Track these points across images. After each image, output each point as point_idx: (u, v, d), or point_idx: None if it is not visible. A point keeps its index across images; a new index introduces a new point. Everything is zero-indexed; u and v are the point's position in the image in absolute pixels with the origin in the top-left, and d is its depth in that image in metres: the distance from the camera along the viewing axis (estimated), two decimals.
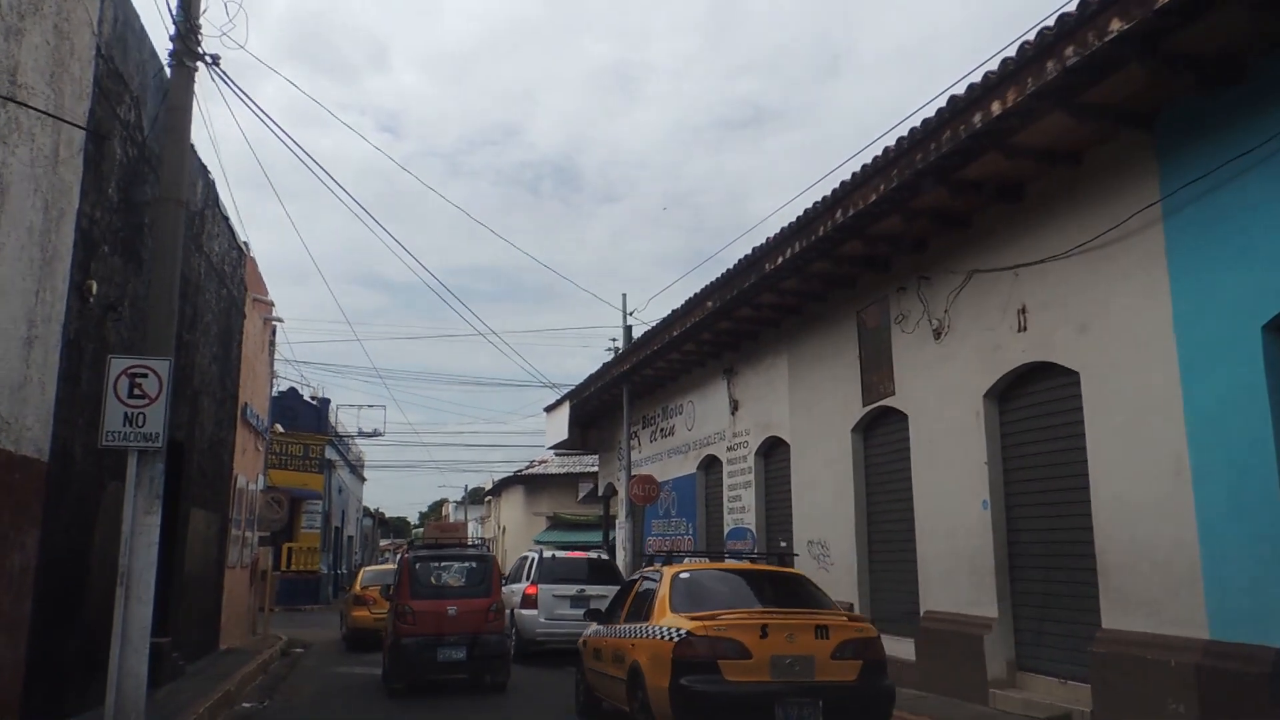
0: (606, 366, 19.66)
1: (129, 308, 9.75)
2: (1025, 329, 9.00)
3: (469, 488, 69.96)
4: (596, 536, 36.06)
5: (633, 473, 19.59)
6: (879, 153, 9.40)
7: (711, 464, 17.33)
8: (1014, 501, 9.35)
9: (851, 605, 11.81)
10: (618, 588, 10.91)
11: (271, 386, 21.27)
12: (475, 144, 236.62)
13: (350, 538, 50.06)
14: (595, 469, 38.86)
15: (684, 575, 8.22)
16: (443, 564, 12.44)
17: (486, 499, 58.89)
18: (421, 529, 52.28)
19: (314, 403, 36.47)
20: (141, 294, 9.81)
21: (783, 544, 14.30)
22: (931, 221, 10.00)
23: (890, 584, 11.43)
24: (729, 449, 16.13)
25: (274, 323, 19.62)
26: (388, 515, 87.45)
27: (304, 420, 35.43)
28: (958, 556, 9.84)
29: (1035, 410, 9.15)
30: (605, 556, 17.53)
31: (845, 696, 7.05)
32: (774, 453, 14.81)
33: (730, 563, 10.32)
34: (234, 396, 15.88)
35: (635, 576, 9.52)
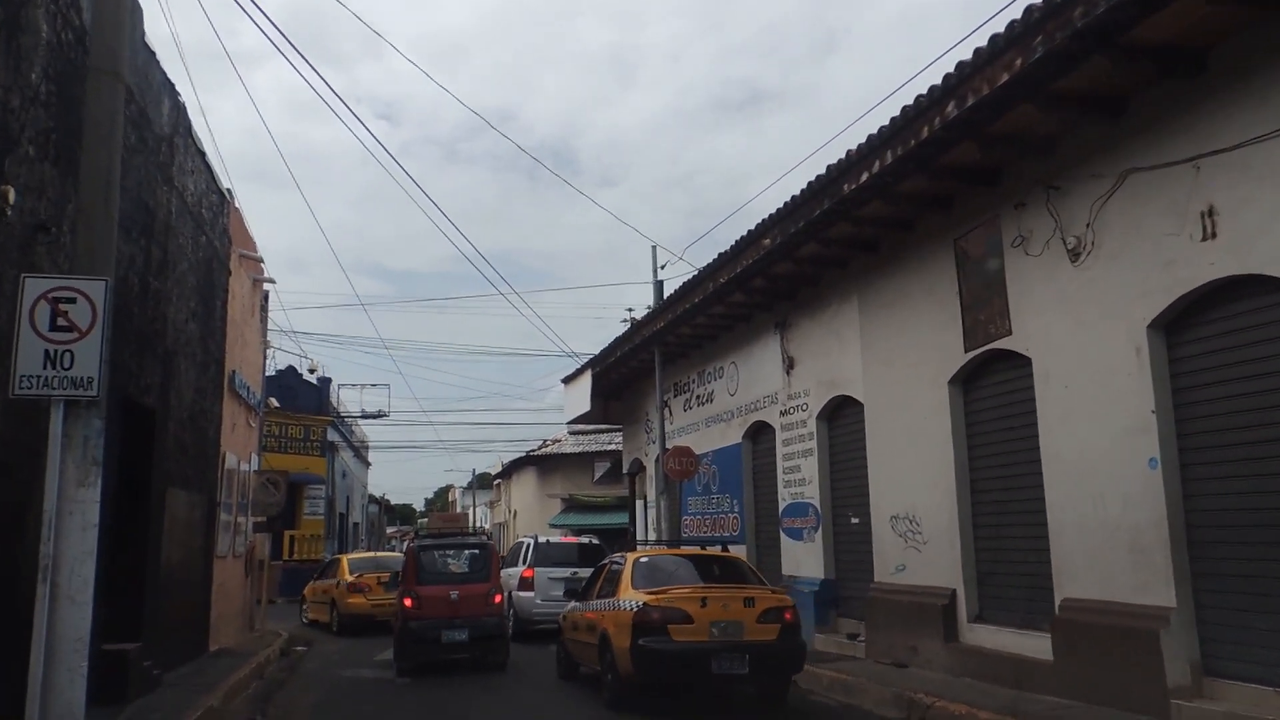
0: (635, 326, 17.68)
1: (70, 234, 7.77)
2: (1213, 235, 6.99)
3: (476, 472, 68.23)
4: (616, 519, 34.26)
5: (667, 444, 17.62)
6: (1012, 23, 7.39)
7: (760, 432, 15.38)
8: (1194, 459, 7.37)
9: (954, 591, 9.89)
10: None
11: (266, 359, 19.33)
12: (473, 130, 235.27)
13: (356, 524, 48.26)
14: (613, 447, 36.96)
15: (644, 559, 10.30)
16: (446, 552, 13.27)
17: (496, 482, 57.04)
18: (426, 518, 50.42)
19: (314, 382, 34.52)
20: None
21: (854, 519, 12.37)
22: (1077, 110, 7.96)
23: (1006, 566, 9.48)
24: (783, 413, 14.16)
25: (265, 284, 17.64)
26: (393, 502, 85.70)
27: (304, 400, 33.53)
28: (1111, 530, 7.86)
29: (1226, 340, 7.15)
30: (596, 541, 18.22)
31: (767, 652, 8.93)
32: (841, 414, 12.85)
33: (684, 549, 11.98)
34: (219, 362, 13.92)
35: (605, 561, 11.60)
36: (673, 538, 17.05)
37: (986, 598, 9.67)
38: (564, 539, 18.51)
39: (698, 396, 18.02)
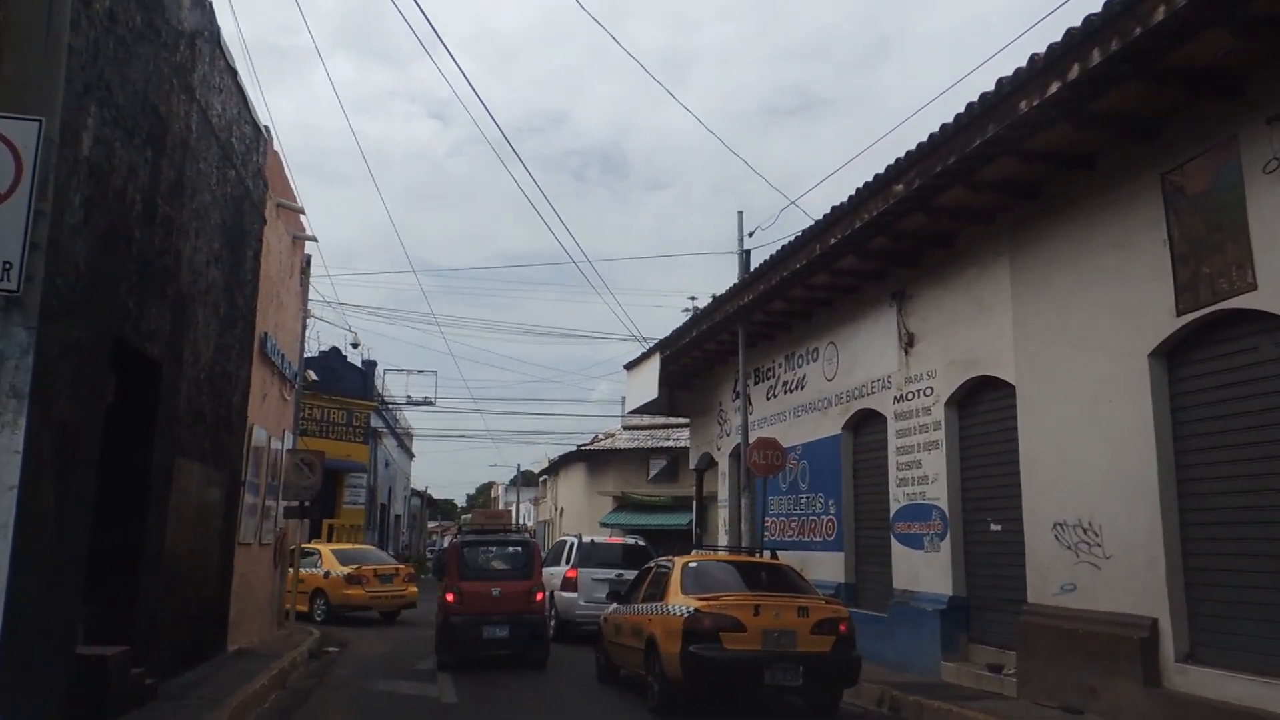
0: (716, 303, 15.63)
1: None
2: None
3: (520, 468, 66.64)
4: (671, 520, 32.24)
5: (749, 436, 15.54)
6: None
7: (866, 422, 13.26)
8: None
9: (1154, 621, 7.71)
10: None
11: (305, 329, 17.58)
12: (523, 131, 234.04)
13: (397, 516, 46.76)
14: (670, 443, 34.94)
15: (693, 564, 10.17)
16: (488, 549, 13.41)
17: (541, 478, 55.29)
18: (469, 515, 48.80)
19: (359, 365, 32.94)
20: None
21: (995, 526, 10.22)
22: None
23: (1235, 593, 7.28)
24: (899, 399, 12.03)
25: (307, 242, 15.88)
26: (434, 497, 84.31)
27: (348, 384, 31.97)
28: None
29: None
30: (642, 543, 17.66)
31: (820, 663, 8.75)
32: (980, 399, 10.70)
33: (730, 555, 12.27)
34: (248, 321, 12.13)
35: (651, 564, 11.31)
36: (753, 541, 14.99)
37: (1204, 632, 7.48)
38: (609, 539, 17.89)
39: (784, 383, 15.93)
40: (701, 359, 19.02)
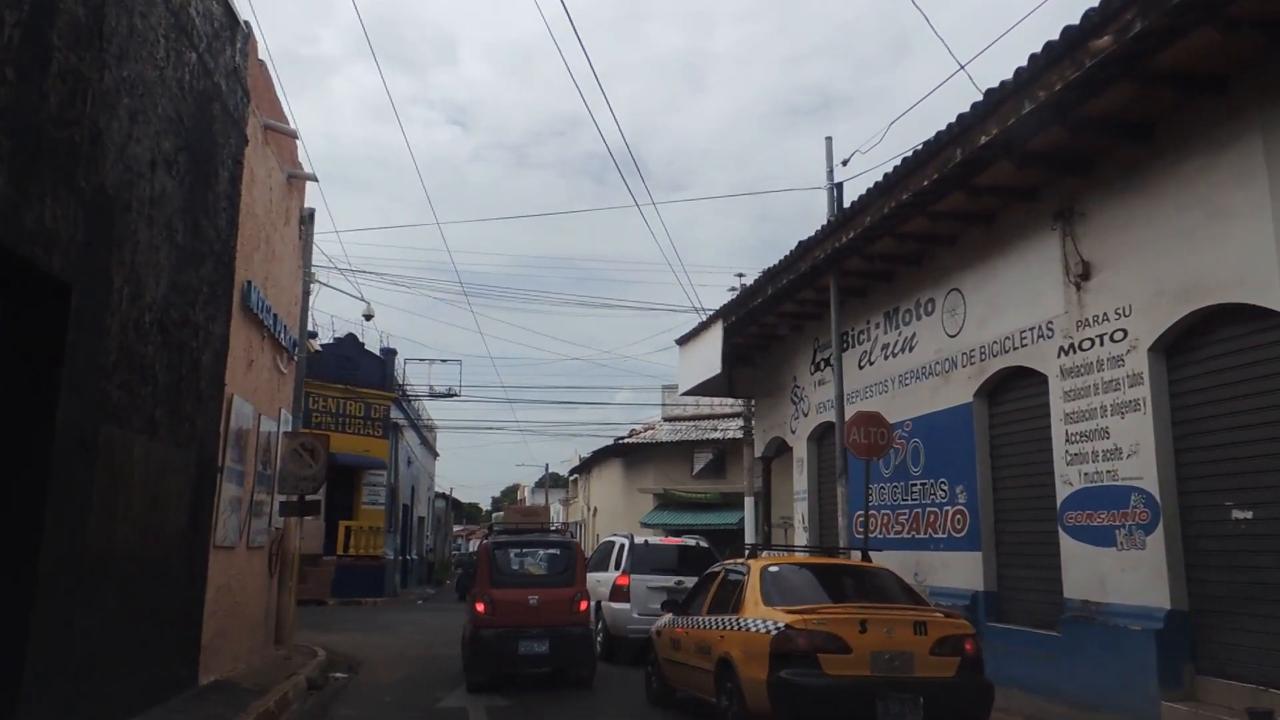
0: (801, 248, 12.78)
1: None
2: None
3: (549, 467, 64.09)
4: (719, 518, 29.45)
5: (844, 411, 12.68)
6: None
7: (1010, 384, 10.43)
8: None
9: None
10: None
11: (308, 294, 14.95)
12: (542, 135, 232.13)
13: (421, 519, 44.21)
14: (717, 435, 32.13)
15: (773, 568, 8.33)
16: (524, 551, 12.00)
17: (572, 477, 52.63)
18: (500, 513, 45.87)
19: (378, 354, 30.37)
20: None
21: (1242, 513, 7.38)
22: None
23: None
24: (1067, 350, 9.20)
25: (305, 183, 13.23)
26: (460, 500, 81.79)
27: (366, 374, 29.39)
28: None
29: None
30: (704, 544, 14.87)
31: (945, 692, 7.08)
32: (1204, 339, 7.86)
33: (812, 556, 10.27)
34: (223, 260, 9.46)
35: (716, 568, 9.56)
36: (850, 539, 12.18)
37: None
38: (664, 540, 15.50)
39: (884, 347, 13.10)
40: (768, 328, 16.25)
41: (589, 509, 45.36)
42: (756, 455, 18.25)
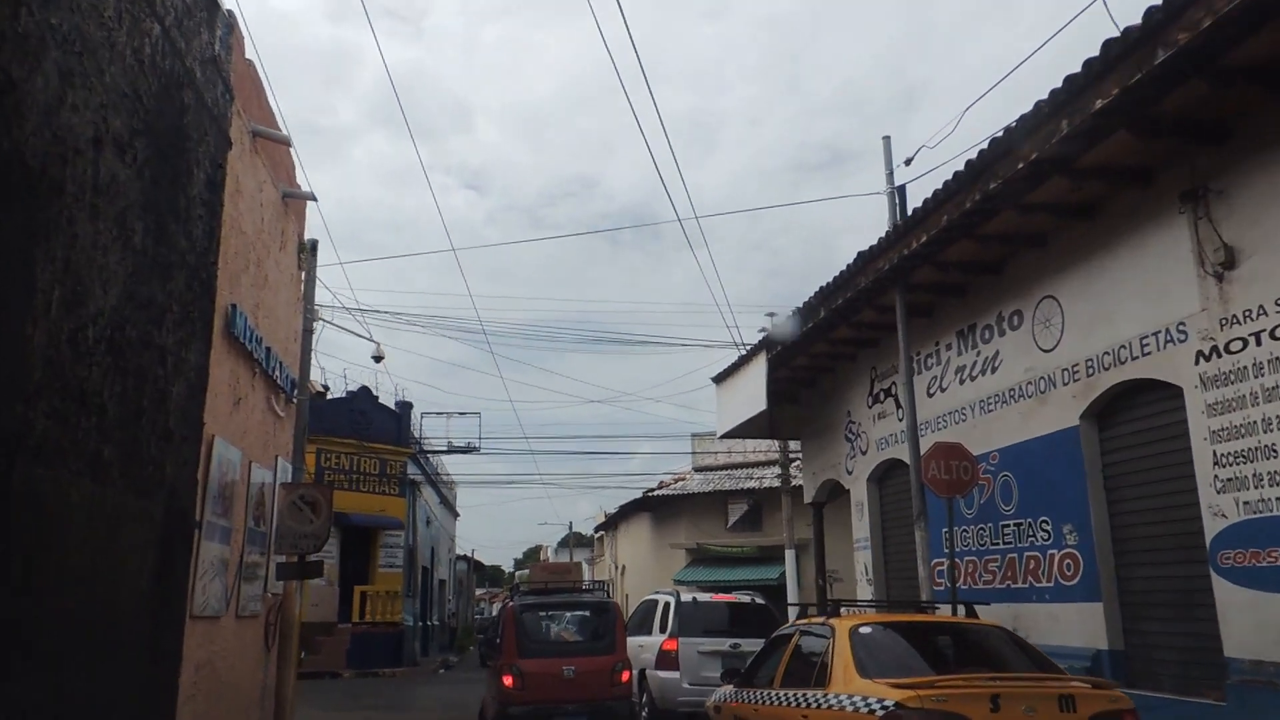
0: (861, 261, 11.29)
1: None
2: None
3: (572, 525, 62.30)
4: (757, 573, 27.62)
5: (918, 443, 11.06)
6: None
7: (1126, 401, 8.84)
8: None
9: None
10: None
11: (311, 332, 13.57)
12: (555, 197, 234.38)
13: (442, 582, 42.40)
14: (751, 484, 30.42)
15: (864, 629, 6.67)
16: (555, 613, 10.85)
17: (598, 534, 50.77)
18: (525, 570, 43.64)
19: (393, 408, 28.98)
20: None
21: None
22: None
23: None
24: (1206, 355, 7.63)
25: (303, 205, 11.93)
26: (482, 562, 79.70)
27: (380, 429, 27.96)
28: None
29: None
30: (760, 600, 13.57)
31: None
32: None
33: (903, 614, 8.43)
34: (200, 276, 8.04)
35: (787, 630, 8.06)
36: (932, 591, 10.51)
37: None
38: (715, 598, 13.83)
39: (958, 371, 11.54)
40: (818, 359, 14.75)
41: (616, 567, 43.44)
42: (806, 500, 16.58)
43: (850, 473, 14.60)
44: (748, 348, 16.12)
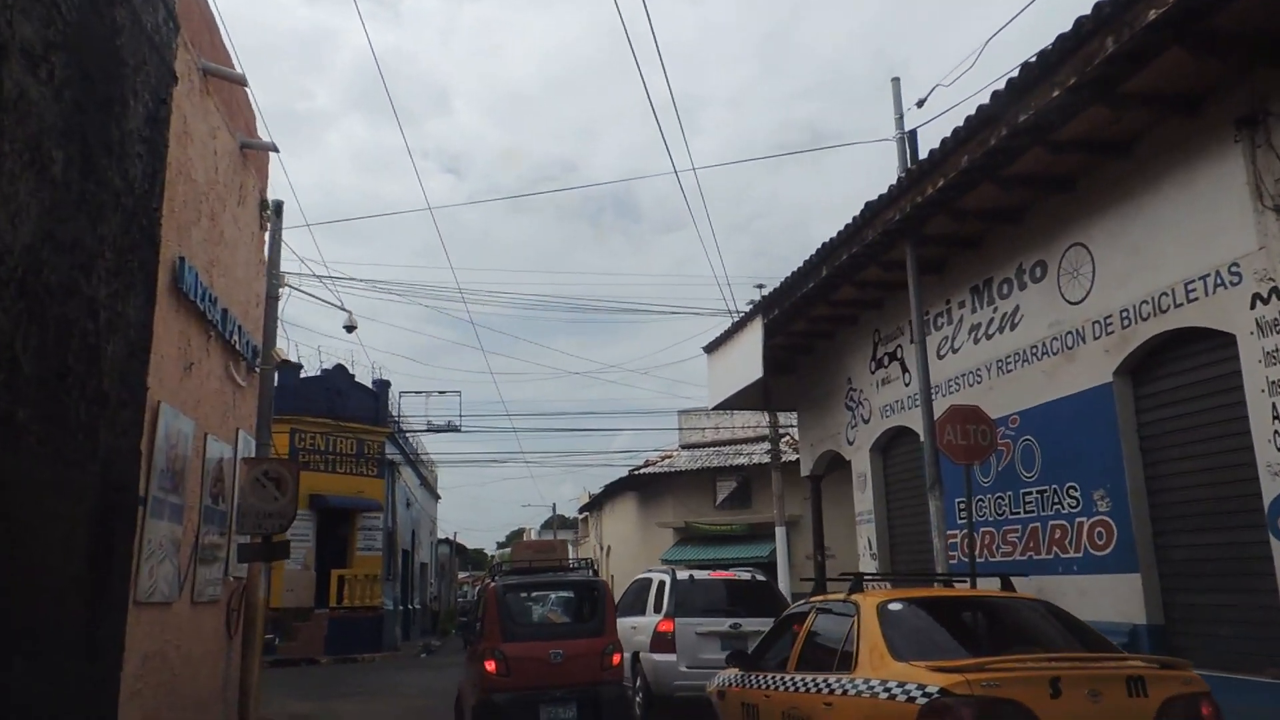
0: (872, 210, 10.46)
1: None
2: None
3: (555, 507, 61.57)
4: (749, 551, 26.96)
5: (931, 407, 10.28)
6: None
7: (1166, 356, 8.10)
8: None
9: None
10: None
11: (276, 296, 12.65)
12: (537, 181, 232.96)
13: (424, 565, 41.59)
14: (740, 460, 29.72)
15: (895, 606, 5.88)
16: (541, 594, 10.17)
17: (582, 515, 50.03)
18: (507, 549, 42.70)
19: (370, 386, 28.05)
20: None
21: None
22: None
23: None
24: (1264, 298, 6.88)
25: (265, 160, 10.99)
26: (464, 545, 78.78)
27: (357, 408, 27.05)
28: None
29: None
30: (761, 577, 12.56)
31: None
32: None
33: (931, 588, 7.69)
34: (139, 221, 7.09)
35: (800, 608, 7.22)
36: (949, 564, 9.77)
37: None
38: (713, 575, 12.66)
39: (972, 330, 10.79)
40: (818, 323, 13.98)
41: (601, 548, 42.75)
42: (804, 473, 15.85)
43: (851, 443, 13.86)
44: (740, 314, 15.33)
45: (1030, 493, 9.68)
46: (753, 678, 7.09)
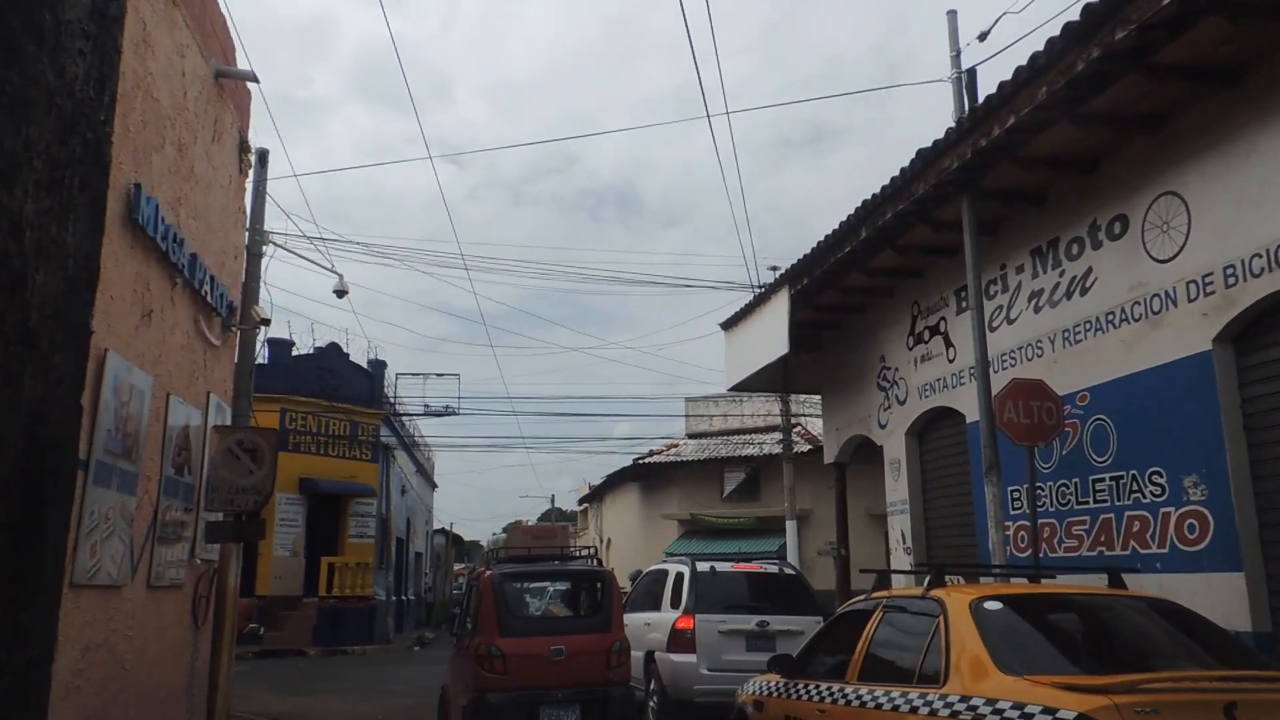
0: (924, 160, 9.31)
1: None
2: None
3: (554, 499, 60.49)
4: (757, 546, 25.89)
5: (989, 382, 9.15)
6: None
7: (1278, 319, 6.97)
8: None
9: None
10: (815, 618, 9.76)
11: (259, 254, 11.52)
12: (538, 172, 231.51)
13: (419, 555, 40.54)
14: (750, 450, 28.63)
15: (992, 605, 4.74)
16: (542, 584, 10.51)
17: (582, 506, 48.96)
18: (503, 534, 41.25)
19: (365, 366, 26.94)
20: None
21: None
22: None
23: None
24: None
25: (245, 93, 9.86)
26: (461, 536, 77.68)
27: (351, 389, 25.93)
28: None
29: None
30: (791, 569, 11.56)
31: None
32: None
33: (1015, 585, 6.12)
34: (78, 129, 5.98)
35: (862, 605, 6.01)
36: (1005, 561, 8.65)
37: None
38: (736, 567, 11.50)
39: (1032, 297, 9.67)
40: (851, 295, 12.87)
41: (601, 540, 41.67)
42: (828, 460, 14.73)
43: (883, 426, 12.74)
44: (764, 286, 14.22)
45: (1102, 479, 8.56)
46: (801, 687, 5.99)
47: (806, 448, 26.38)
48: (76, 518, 6.13)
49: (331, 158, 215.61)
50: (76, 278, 4.23)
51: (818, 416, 27.54)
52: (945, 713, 4.33)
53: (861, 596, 6.39)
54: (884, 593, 5.89)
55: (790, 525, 23.56)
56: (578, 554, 10.91)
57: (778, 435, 25.49)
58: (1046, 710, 3.80)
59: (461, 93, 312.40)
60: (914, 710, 4.57)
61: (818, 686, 5.75)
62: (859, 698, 5.17)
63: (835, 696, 5.44)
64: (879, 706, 4.91)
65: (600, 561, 11.02)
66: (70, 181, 4.27)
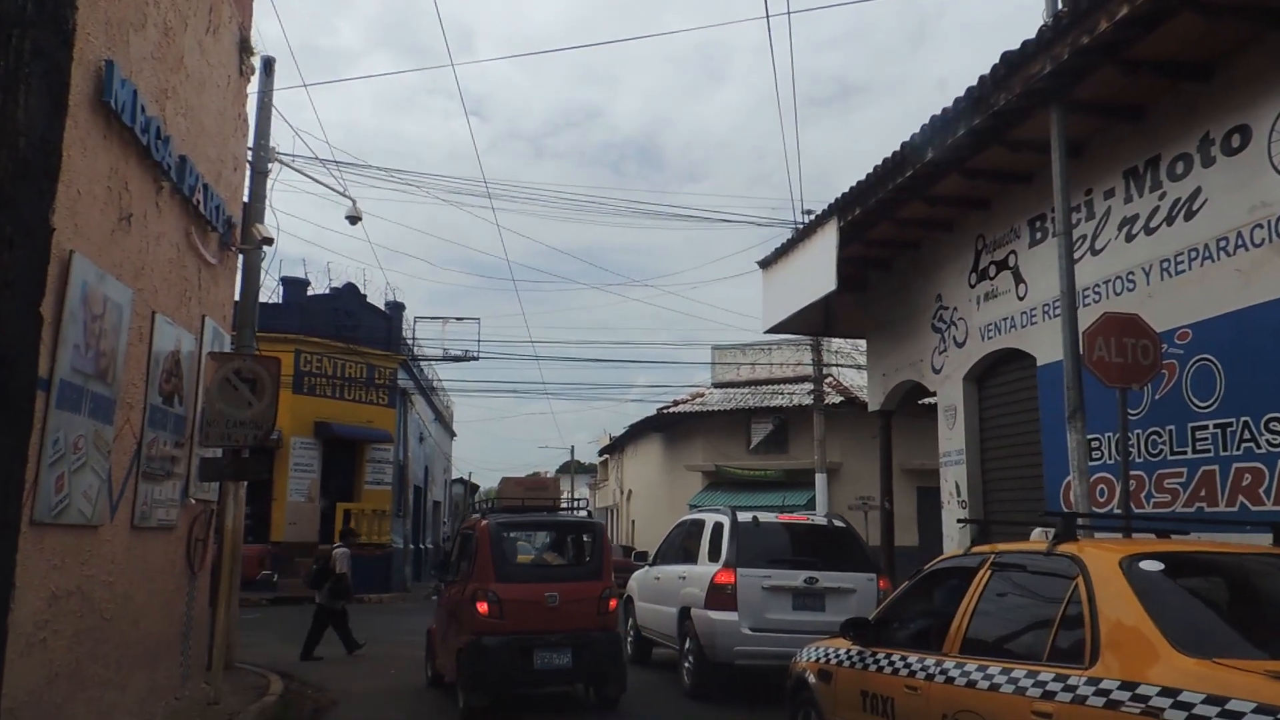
0: (1009, 66, 8.20)
1: None
2: None
3: (574, 450, 60.01)
4: (781, 499, 25.08)
5: (1075, 317, 8.12)
6: None
7: None
8: None
9: None
10: (867, 575, 9.35)
11: (264, 171, 10.57)
12: (559, 126, 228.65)
13: (437, 504, 40.07)
14: (778, 400, 27.71)
15: (1151, 565, 3.82)
16: (538, 535, 10.80)
17: (602, 457, 48.30)
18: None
19: (383, 308, 26.10)
20: None
21: None
22: None
23: None
24: None
25: None
26: (478, 485, 77.56)
27: (368, 331, 25.13)
28: None
29: None
30: (840, 522, 10.36)
31: None
32: None
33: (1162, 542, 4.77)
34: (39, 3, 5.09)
35: (963, 560, 5.01)
36: (1088, 507, 7.68)
37: None
38: (781, 518, 10.49)
39: (1124, 224, 8.60)
40: (906, 227, 11.82)
41: (621, 492, 41.02)
42: (872, 408, 13.77)
43: (938, 371, 11.75)
44: (810, 216, 13.17)
45: (1205, 427, 7.56)
46: (881, 657, 5.09)
47: (838, 399, 25.43)
48: (38, 445, 5.27)
49: (354, 110, 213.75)
50: (29, 159, 3.18)
51: (850, 367, 26.56)
52: (1099, 702, 3.39)
53: (956, 550, 5.46)
54: (987, 547, 4.92)
55: (820, 478, 22.72)
56: (570, 507, 11.22)
57: (807, 386, 24.56)
58: (1264, 709, 2.87)
59: (483, 44, 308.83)
60: (1049, 696, 3.64)
61: (904, 658, 4.85)
62: (965, 675, 4.25)
63: (932, 672, 4.53)
64: (995, 688, 4.00)
65: (591, 514, 10.74)
66: (19, 44, 3.16)
